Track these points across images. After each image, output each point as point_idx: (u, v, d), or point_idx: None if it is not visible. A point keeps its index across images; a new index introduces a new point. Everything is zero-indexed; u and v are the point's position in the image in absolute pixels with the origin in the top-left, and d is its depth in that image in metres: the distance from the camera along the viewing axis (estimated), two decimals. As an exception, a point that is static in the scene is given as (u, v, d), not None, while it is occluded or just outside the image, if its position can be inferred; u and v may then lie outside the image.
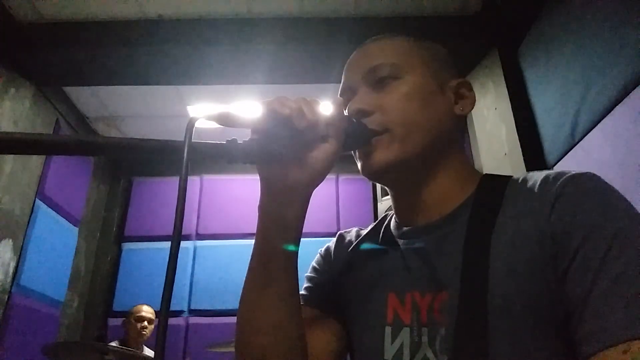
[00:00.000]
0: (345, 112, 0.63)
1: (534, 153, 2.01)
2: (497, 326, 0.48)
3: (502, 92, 2.25)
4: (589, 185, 0.50)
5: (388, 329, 0.58)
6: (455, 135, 0.65)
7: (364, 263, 0.68)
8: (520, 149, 2.05)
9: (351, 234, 0.76)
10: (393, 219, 0.69)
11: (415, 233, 0.62)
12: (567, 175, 0.52)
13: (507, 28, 2.31)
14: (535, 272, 0.48)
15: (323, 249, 0.77)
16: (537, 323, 0.47)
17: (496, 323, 0.48)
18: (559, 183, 0.51)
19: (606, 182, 0.51)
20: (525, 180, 0.57)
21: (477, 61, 2.48)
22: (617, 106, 1.47)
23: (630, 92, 1.40)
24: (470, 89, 0.66)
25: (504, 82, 2.25)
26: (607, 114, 1.51)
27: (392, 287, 0.60)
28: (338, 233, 0.78)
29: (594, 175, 0.51)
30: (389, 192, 0.68)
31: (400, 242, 0.64)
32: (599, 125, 1.56)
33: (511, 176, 0.61)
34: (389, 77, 0.61)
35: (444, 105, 0.63)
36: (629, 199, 0.50)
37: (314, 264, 0.76)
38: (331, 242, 0.77)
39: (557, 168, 1.85)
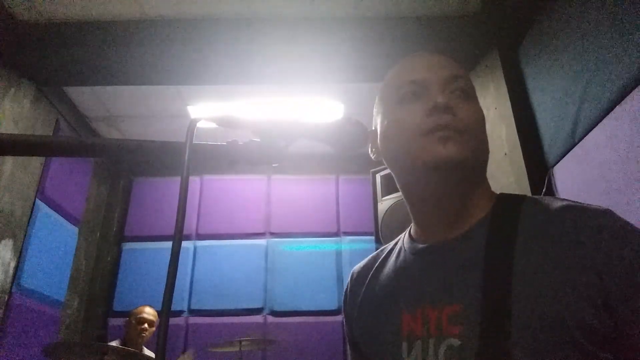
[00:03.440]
0: (404, 101, 0.67)
1: (534, 153, 2.01)
2: (522, 344, 0.50)
3: (502, 92, 2.25)
4: (623, 225, 0.53)
5: (404, 344, 0.60)
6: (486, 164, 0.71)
7: (379, 288, 0.71)
8: (520, 149, 2.05)
9: (363, 267, 0.78)
10: (407, 237, 0.72)
11: (430, 250, 0.65)
12: (596, 211, 0.55)
13: (507, 28, 2.31)
14: (569, 301, 0.50)
15: (343, 299, 0.80)
16: (562, 346, 0.49)
17: (521, 341, 0.50)
18: (592, 221, 0.54)
19: (625, 220, 0.55)
20: (544, 204, 0.60)
21: (477, 61, 2.48)
22: (617, 106, 1.47)
23: (630, 92, 1.40)
24: None
25: (504, 82, 2.25)
26: (607, 114, 1.51)
27: (405, 304, 0.63)
28: (351, 272, 0.80)
29: (615, 213, 0.55)
30: (412, 203, 0.69)
31: (415, 259, 0.67)
32: (599, 125, 1.56)
33: (525, 195, 0.64)
34: (466, 92, 0.66)
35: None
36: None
37: (344, 320, 0.79)
38: (346, 286, 0.80)
39: (557, 168, 1.86)
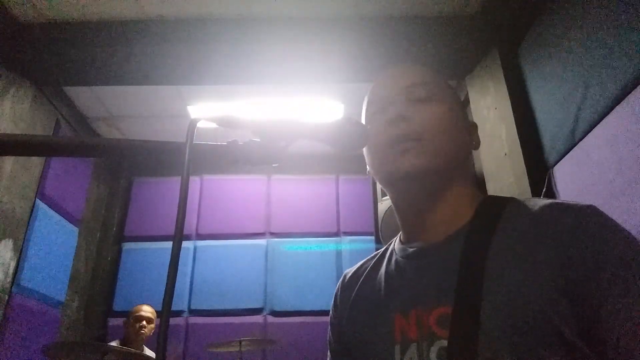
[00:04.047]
0: (373, 121, 0.70)
1: (534, 153, 2.01)
2: (492, 343, 0.51)
3: (502, 92, 2.25)
4: (600, 220, 0.54)
5: (397, 347, 0.60)
6: (468, 162, 0.72)
7: (370, 291, 0.71)
8: (520, 149, 2.05)
9: (355, 270, 0.79)
10: (398, 241, 0.73)
11: (419, 253, 0.66)
12: (575, 207, 0.55)
13: (507, 28, 2.31)
14: (542, 297, 0.51)
15: (332, 301, 0.80)
16: (537, 345, 0.49)
17: (491, 340, 0.51)
18: (570, 216, 0.54)
19: (608, 215, 0.55)
20: (526, 205, 0.61)
21: (477, 61, 2.48)
22: (617, 106, 1.47)
23: (630, 92, 1.40)
24: (477, 131, 0.75)
25: (504, 82, 2.25)
26: (607, 114, 1.51)
27: (397, 307, 0.64)
28: (343, 274, 0.82)
29: (598, 208, 0.55)
30: (397, 211, 0.72)
31: (405, 262, 0.68)
32: (598, 125, 1.57)
33: (511, 197, 0.65)
34: (426, 97, 0.68)
35: (464, 135, 0.71)
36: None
37: (330, 322, 0.79)
38: (336, 288, 0.81)
39: (557, 168, 1.86)
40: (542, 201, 0.60)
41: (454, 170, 0.66)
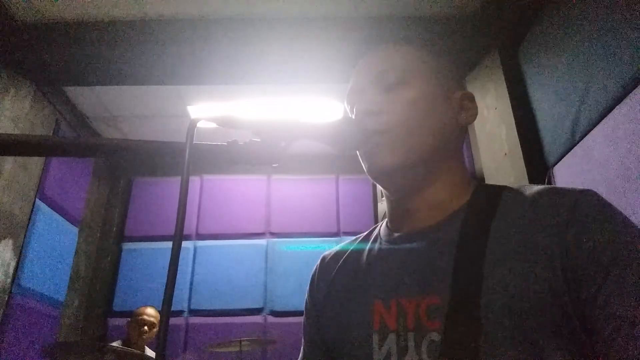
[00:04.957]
0: (352, 113, 0.66)
1: (534, 153, 2.01)
2: (493, 332, 0.48)
3: (502, 92, 2.25)
4: (599, 204, 0.52)
5: (375, 336, 0.57)
6: (456, 144, 0.67)
7: (350, 275, 0.68)
8: (520, 149, 2.06)
9: (334, 253, 0.76)
10: (384, 226, 0.70)
11: (406, 238, 0.63)
12: (574, 191, 0.54)
13: (507, 28, 2.31)
14: (543, 283, 0.49)
15: (308, 285, 0.77)
16: (540, 332, 0.48)
17: (492, 329, 0.49)
18: (568, 199, 0.53)
19: (605, 200, 0.53)
20: (522, 191, 0.59)
21: (477, 61, 2.48)
22: (617, 106, 1.47)
23: (630, 92, 1.40)
24: (473, 101, 0.69)
25: (504, 82, 2.25)
26: (607, 114, 1.51)
27: (377, 294, 0.60)
28: (321, 256, 0.78)
29: (596, 193, 0.53)
30: (384, 197, 0.69)
31: (390, 247, 0.65)
32: (599, 125, 1.57)
33: (505, 185, 0.63)
34: (397, 82, 0.64)
35: (448, 113, 0.65)
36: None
37: (305, 307, 0.76)
38: (313, 270, 0.77)
39: (557, 168, 1.86)
40: (539, 186, 0.58)
41: (438, 156, 0.63)
